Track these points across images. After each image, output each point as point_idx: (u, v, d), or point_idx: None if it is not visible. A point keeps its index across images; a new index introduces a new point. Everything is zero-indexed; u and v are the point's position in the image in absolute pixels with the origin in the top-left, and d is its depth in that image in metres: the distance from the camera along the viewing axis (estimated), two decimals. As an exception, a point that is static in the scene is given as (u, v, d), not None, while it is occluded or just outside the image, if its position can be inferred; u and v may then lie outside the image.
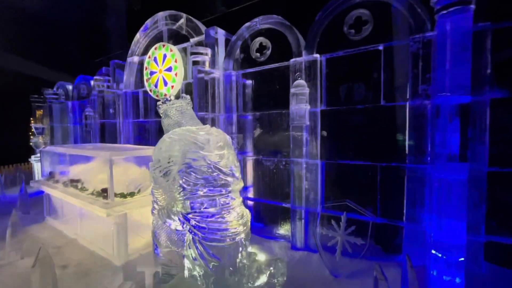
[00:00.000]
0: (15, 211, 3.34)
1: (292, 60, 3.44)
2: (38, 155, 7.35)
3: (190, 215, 2.26)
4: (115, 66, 5.67)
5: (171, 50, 4.76)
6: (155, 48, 5.04)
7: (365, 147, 3.11)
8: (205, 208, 2.25)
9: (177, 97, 3.15)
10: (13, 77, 10.96)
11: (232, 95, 4.10)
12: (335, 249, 3.11)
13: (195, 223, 2.23)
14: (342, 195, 3.27)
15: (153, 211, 2.81)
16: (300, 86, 3.21)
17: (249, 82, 4.03)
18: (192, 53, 3.74)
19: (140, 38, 5.34)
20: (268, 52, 3.71)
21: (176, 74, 4.69)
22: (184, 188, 2.27)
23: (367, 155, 3.10)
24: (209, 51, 3.76)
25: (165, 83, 4.87)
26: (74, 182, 3.73)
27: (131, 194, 3.25)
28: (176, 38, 4.85)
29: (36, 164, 7.31)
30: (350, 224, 3.04)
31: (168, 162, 2.31)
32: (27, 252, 3.41)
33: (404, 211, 2.87)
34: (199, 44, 4.31)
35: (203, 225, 2.21)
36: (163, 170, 2.35)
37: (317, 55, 3.27)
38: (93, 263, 3.12)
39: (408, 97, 2.78)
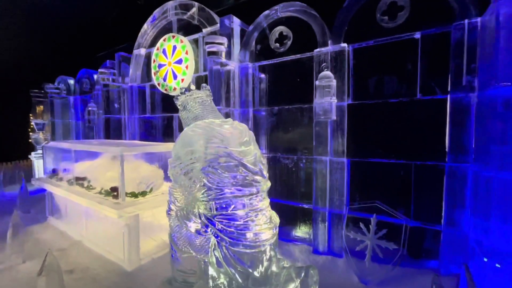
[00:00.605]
0: (16, 211, 3.09)
1: (316, 50, 3.20)
2: (39, 151, 7.08)
3: (216, 218, 2.02)
4: (121, 59, 5.41)
5: (181, 41, 4.52)
6: (164, 40, 4.79)
7: (398, 144, 2.88)
8: (233, 210, 2.01)
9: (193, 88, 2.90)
10: (10, 70, 10.66)
11: (248, 89, 3.85)
12: (363, 254, 2.88)
13: (221, 227, 1.99)
14: (369, 196, 3.03)
15: (169, 212, 2.57)
16: (326, 78, 2.97)
17: (266, 74, 3.78)
18: (208, 43, 3.49)
19: (147, 29, 5.08)
20: (289, 42, 3.47)
21: (186, 67, 4.46)
22: (209, 188, 2.03)
23: (399, 153, 2.87)
24: (225, 40, 3.51)
25: (175, 76, 4.63)
26: (79, 180, 3.48)
27: (143, 194, 3.01)
28: (187, 29, 4.59)
29: (37, 161, 7.05)
30: (380, 227, 2.82)
31: (191, 159, 2.07)
32: (29, 255, 3.16)
33: (443, 213, 2.65)
34: (212, 34, 4.05)
35: (231, 229, 1.97)
36: (184, 167, 2.10)
37: (345, 45, 3.03)
38: (102, 268, 2.87)
39: (449, 89, 2.55)
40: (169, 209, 2.59)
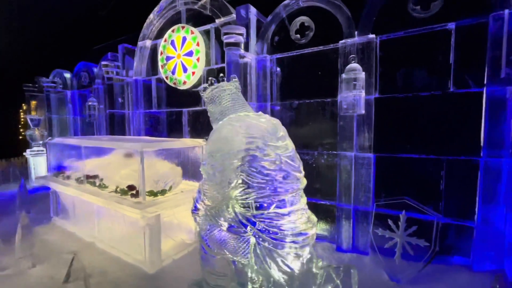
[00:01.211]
0: (24, 212, 2.88)
1: (341, 42, 3.08)
2: (35, 148, 6.76)
3: (256, 218, 1.89)
4: (125, 51, 5.16)
5: (192, 33, 4.32)
6: (173, 31, 4.58)
7: (428, 139, 2.80)
8: (275, 208, 1.88)
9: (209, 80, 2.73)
10: (-1, 64, 10.14)
11: (266, 82, 3.71)
12: (392, 252, 2.81)
13: (263, 227, 1.87)
14: (396, 192, 2.96)
15: (195, 212, 2.43)
16: (354, 71, 2.86)
17: (285, 67, 3.64)
18: (226, 34, 3.32)
19: (153, 20, 4.85)
20: (311, 33, 3.33)
21: (198, 59, 4.27)
22: (249, 186, 1.90)
23: (430, 148, 2.80)
24: (244, 31, 3.35)
25: (185, 69, 4.44)
26: (90, 178, 3.28)
27: (163, 192, 2.85)
28: (197, 19, 4.39)
29: (33, 159, 6.73)
30: (410, 224, 2.75)
31: (228, 154, 1.93)
32: (38, 258, 2.97)
33: (476, 209, 2.60)
34: (227, 25, 3.87)
35: (274, 229, 1.85)
36: (220, 164, 1.96)
37: (373, 36, 2.92)
38: (121, 271, 2.71)
39: (485, 82, 2.48)
40: (195, 208, 2.45)
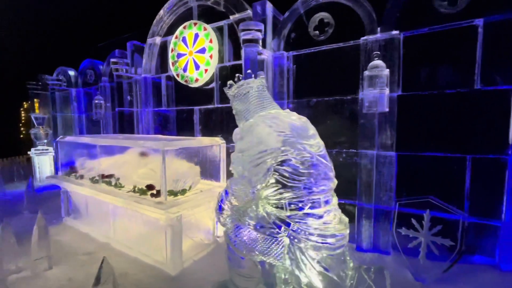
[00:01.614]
0: (41, 213, 2.80)
1: (363, 38, 3.03)
2: (39, 147, 6.66)
3: (290, 218, 1.84)
4: (134, 48, 5.07)
5: (204, 29, 4.24)
6: (184, 27, 4.50)
7: (453, 137, 2.76)
8: (310, 209, 1.83)
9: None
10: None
11: (282, 80, 3.65)
12: (415, 251, 2.77)
13: (298, 228, 1.81)
14: (418, 191, 2.92)
15: (221, 212, 2.38)
16: (377, 67, 2.81)
17: (302, 64, 3.58)
18: (243, 30, 3.25)
19: (163, 17, 4.76)
20: (331, 30, 3.27)
21: (211, 56, 4.20)
22: (282, 185, 1.84)
23: (454, 147, 2.76)
24: (262, 27, 3.28)
25: (197, 67, 4.37)
26: (106, 178, 3.21)
27: (183, 192, 2.79)
28: (209, 16, 4.32)
29: (37, 158, 6.63)
30: (434, 223, 2.71)
31: (260, 153, 1.87)
32: (54, 260, 2.90)
33: (503, 208, 2.56)
34: (242, 22, 3.80)
35: (309, 230, 1.80)
36: (251, 163, 1.90)
37: (397, 32, 2.87)
38: (142, 273, 2.65)
39: (515, 79, 2.44)
40: (220, 208, 2.39)
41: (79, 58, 6.95)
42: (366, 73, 2.89)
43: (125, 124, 5.22)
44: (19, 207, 4.77)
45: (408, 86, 2.92)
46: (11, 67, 10.69)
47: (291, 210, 1.85)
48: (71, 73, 6.97)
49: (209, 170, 3.20)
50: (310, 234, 1.80)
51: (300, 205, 1.84)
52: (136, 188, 2.89)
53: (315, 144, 1.97)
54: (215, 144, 3.21)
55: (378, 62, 2.83)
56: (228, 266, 2.28)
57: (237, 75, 2.28)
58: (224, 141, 3.31)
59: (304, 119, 2.17)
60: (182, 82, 4.57)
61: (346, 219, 2.09)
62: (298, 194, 1.84)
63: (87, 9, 9.02)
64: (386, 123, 2.99)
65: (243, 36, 3.31)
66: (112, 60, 4.86)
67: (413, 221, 2.81)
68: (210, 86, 4.43)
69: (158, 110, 5.16)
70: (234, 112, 2.39)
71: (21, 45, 10.29)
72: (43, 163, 6.71)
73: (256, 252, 2.04)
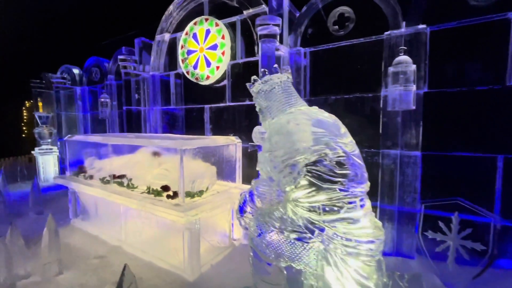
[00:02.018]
0: (51, 215, 2.68)
1: (386, 33, 2.91)
2: (43, 147, 6.53)
3: (325, 223, 1.71)
4: (142, 45, 4.94)
5: (216, 25, 4.12)
6: (195, 23, 4.37)
7: (483, 136, 2.64)
8: (347, 212, 1.71)
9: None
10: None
11: (299, 77, 3.53)
12: (443, 256, 2.65)
13: (334, 233, 1.69)
14: (444, 193, 2.80)
15: (242, 214, 2.26)
16: (404, 63, 2.68)
17: (320, 61, 3.46)
18: (260, 25, 3.12)
19: (173, 12, 4.63)
20: (351, 25, 3.15)
21: (223, 53, 4.07)
22: (317, 187, 1.71)
23: (485, 146, 2.63)
24: (280, 21, 3.16)
25: (208, 64, 4.24)
26: (117, 178, 3.08)
27: (200, 193, 2.66)
28: (220, 11, 4.19)
29: (41, 158, 6.49)
30: (463, 226, 2.59)
31: (293, 152, 1.75)
32: (64, 264, 2.78)
33: (539, 211, 2.44)
34: (257, 17, 3.68)
35: (347, 235, 1.67)
36: (282, 162, 1.78)
37: (424, 26, 2.74)
38: (158, 278, 2.52)
39: (552, 75, 2.31)
40: (242, 211, 2.27)
41: (82, 56, 6.84)
42: (391, 69, 2.76)
43: (132, 123, 5.09)
44: (24, 208, 4.64)
45: (435, 83, 2.79)
46: (12, 65, 10.55)
47: (325, 213, 1.72)
48: (76, 71, 6.85)
49: (225, 171, 3.07)
50: (348, 239, 1.67)
51: (336, 208, 1.71)
52: (150, 189, 2.76)
53: (348, 143, 1.84)
54: (231, 143, 3.08)
55: (404, 57, 2.70)
56: (251, 272, 2.16)
57: (262, 69, 2.16)
58: (240, 141, 3.18)
59: (334, 117, 2.04)
60: (193, 79, 4.45)
61: (380, 223, 1.96)
62: (334, 196, 1.71)
63: (90, 6, 8.88)
64: (411, 121, 2.87)
65: (260, 31, 3.18)
66: (120, 57, 4.73)
67: (441, 224, 2.69)
68: (222, 83, 4.30)
69: (167, 108, 5.04)
70: (257, 109, 2.26)
71: (23, 43, 10.14)
72: (47, 163, 6.58)
73: (285, 258, 1.92)
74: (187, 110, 4.83)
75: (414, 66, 2.69)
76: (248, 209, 2.24)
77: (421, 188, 2.91)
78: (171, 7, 4.63)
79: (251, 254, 2.15)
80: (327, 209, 1.72)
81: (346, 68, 3.29)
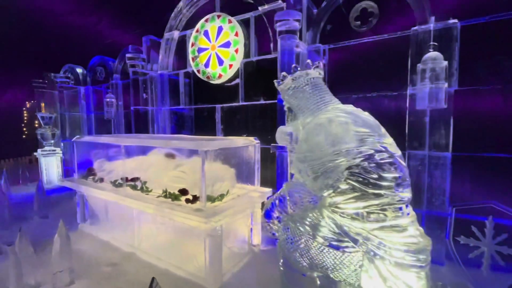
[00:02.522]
0: (62, 221, 2.52)
1: (413, 28, 2.77)
2: (46, 148, 6.36)
3: (370, 231, 1.57)
4: (150, 43, 4.80)
5: (229, 22, 3.98)
6: (206, 20, 4.23)
7: (519, 136, 2.51)
8: (394, 220, 1.57)
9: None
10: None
11: (318, 75, 3.39)
12: (477, 262, 2.51)
13: (380, 242, 1.55)
14: (476, 196, 2.67)
15: (269, 220, 2.12)
16: (434, 60, 2.55)
17: (340, 58, 3.32)
18: (279, 20, 2.99)
19: (182, 9, 4.49)
20: (375, 20, 3.02)
21: (236, 51, 3.94)
22: (361, 192, 1.57)
23: (521, 146, 2.51)
24: (300, 16, 3.02)
25: (220, 62, 4.10)
26: (131, 181, 2.93)
27: (221, 197, 2.52)
28: (233, 8, 4.06)
29: (44, 159, 6.32)
30: (498, 231, 2.45)
31: (334, 154, 1.61)
32: (75, 272, 2.62)
33: None
34: (271, 13, 3.55)
35: (396, 245, 1.53)
36: (321, 164, 1.64)
37: (455, 21, 2.61)
38: (177, 288, 2.38)
39: None
40: (269, 216, 2.13)
41: (85, 55, 6.69)
42: (420, 66, 2.63)
43: (139, 124, 4.94)
44: (28, 211, 4.48)
45: (467, 80, 2.66)
46: (12, 64, 10.36)
47: (370, 221, 1.58)
48: (79, 70, 6.69)
49: (243, 173, 2.92)
50: (396, 249, 1.53)
51: (382, 215, 1.57)
52: (167, 193, 2.61)
53: (392, 143, 1.71)
54: (250, 144, 2.94)
55: (434, 53, 2.57)
56: (281, 282, 2.01)
57: (293, 65, 2.01)
58: (258, 141, 3.04)
59: (371, 116, 1.91)
60: (204, 78, 4.30)
61: (422, 230, 1.82)
62: (379, 202, 1.57)
63: (92, 4, 8.73)
64: (440, 120, 2.74)
65: (279, 27, 3.05)
66: (128, 55, 4.58)
67: (473, 228, 2.55)
68: (234, 82, 4.16)
69: (175, 108, 4.89)
70: (285, 108, 2.13)
71: (24, 43, 9.96)
72: (50, 164, 6.41)
73: (321, 268, 1.78)
74: (197, 110, 4.69)
75: (445, 63, 2.55)
76: (276, 214, 2.11)
77: (451, 190, 2.77)
78: (180, 4, 4.49)
79: (281, 262, 2.00)
80: (371, 216, 1.58)
81: (369, 65, 3.16)
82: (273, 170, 3.41)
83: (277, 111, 3.31)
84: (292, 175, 2.01)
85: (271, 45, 3.68)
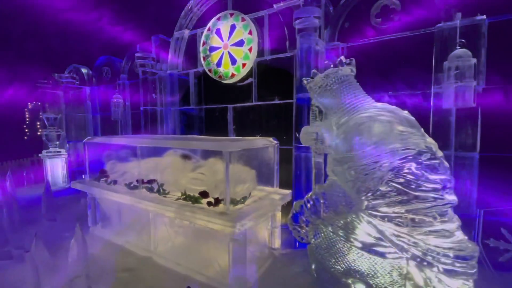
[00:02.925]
0: (79, 226, 2.43)
1: (438, 25, 2.70)
2: (51, 149, 6.25)
3: (417, 235, 1.49)
4: (159, 42, 4.71)
5: (242, 20, 3.90)
6: (218, 19, 4.15)
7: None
8: (442, 223, 1.49)
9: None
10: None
11: (337, 73, 3.31)
12: (508, 266, 2.44)
13: (428, 248, 1.47)
14: (506, 197, 2.59)
15: (296, 224, 2.03)
16: (461, 57, 2.47)
17: (359, 57, 3.23)
18: (298, 18, 2.91)
19: (193, 8, 4.41)
20: (396, 17, 2.94)
21: (250, 49, 3.85)
22: (406, 195, 1.49)
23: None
24: (320, 13, 2.94)
25: (233, 61, 4.02)
26: (147, 183, 2.84)
27: (243, 200, 2.43)
28: (246, 5, 3.97)
29: (49, 161, 6.22)
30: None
31: (376, 156, 1.53)
32: (92, 278, 2.52)
33: None
34: (286, 11, 3.47)
35: (445, 251, 1.45)
36: (363, 165, 1.56)
37: (483, 17, 2.54)
38: (200, 296, 2.28)
39: None
40: (297, 219, 2.05)
41: (89, 54, 6.60)
42: (447, 64, 2.55)
43: (148, 124, 4.85)
44: (35, 214, 4.38)
45: (495, 79, 2.59)
46: (13, 63, 10.26)
47: (415, 226, 1.50)
48: (84, 70, 6.59)
49: (263, 174, 2.84)
50: (445, 255, 1.45)
51: (428, 219, 1.49)
52: (187, 195, 2.52)
53: (435, 144, 1.63)
54: (270, 145, 2.85)
55: (462, 51, 2.49)
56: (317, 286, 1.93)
57: (326, 61, 1.94)
58: (278, 142, 2.95)
59: None
60: (215, 78, 4.22)
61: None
62: (425, 205, 1.49)
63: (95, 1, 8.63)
64: (466, 120, 2.66)
65: (298, 24, 2.97)
66: (137, 54, 4.49)
67: (503, 231, 2.48)
68: (246, 82, 4.08)
69: (185, 108, 4.81)
70: (313, 107, 2.05)
71: (26, 42, 9.85)
72: (55, 166, 6.31)
73: (358, 274, 1.70)
74: (207, 110, 4.60)
75: (474, 60, 2.48)
76: (305, 217, 2.03)
77: (478, 192, 2.70)
78: (191, 2, 4.40)
79: (313, 266, 1.92)
80: (416, 220, 1.50)
81: (390, 64, 3.08)
82: (288, 171, 3.33)
83: (295, 111, 3.24)
84: (325, 176, 1.93)
85: (287, 43, 3.60)
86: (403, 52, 2.98)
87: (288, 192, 2.90)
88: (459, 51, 2.51)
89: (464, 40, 2.53)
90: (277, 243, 2.90)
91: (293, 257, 2.75)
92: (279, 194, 2.83)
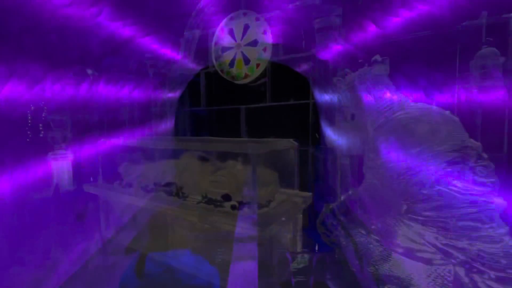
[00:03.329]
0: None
1: (463, 24, 2.64)
2: (58, 151, 6.16)
3: (465, 240, 1.43)
4: (170, 41, 4.63)
5: (257, 19, 3.84)
6: (231, 18, 4.09)
7: None
8: (492, 227, 1.42)
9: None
10: None
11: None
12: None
13: (479, 253, 1.40)
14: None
15: (327, 226, 1.97)
16: (491, 56, 2.42)
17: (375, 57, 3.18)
18: (318, 17, 2.86)
19: (204, 7, 4.34)
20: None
21: (264, 49, 3.79)
22: (452, 199, 1.43)
23: None
24: (340, 12, 2.88)
25: (247, 61, 3.95)
26: (165, 186, 2.77)
27: (268, 203, 2.36)
28: (259, 5, 3.91)
29: (55, 163, 6.12)
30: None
31: (422, 156, 1.46)
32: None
33: None
34: (302, 9, 3.41)
35: (495, 257, 1.39)
36: (408, 168, 1.50)
37: (510, 15, 2.48)
38: (226, 302, 2.21)
39: None
40: (326, 224, 1.98)
41: (96, 54, 6.51)
42: (474, 63, 2.49)
43: (158, 125, 4.78)
44: (44, 217, 4.29)
45: (521, 78, 2.53)
46: (13, 60, 10.17)
47: (462, 230, 1.44)
48: (89, 71, 6.50)
49: (284, 177, 2.77)
50: (496, 261, 1.38)
51: (475, 224, 1.43)
52: (209, 199, 2.45)
53: (480, 145, 1.57)
54: (291, 146, 2.79)
55: (490, 49, 2.44)
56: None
57: (360, 60, 1.88)
58: (297, 143, 2.89)
59: None
60: (228, 78, 4.15)
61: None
62: (473, 210, 1.43)
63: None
64: (492, 121, 2.60)
65: (317, 24, 2.91)
66: (147, 55, 4.42)
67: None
68: (259, 82, 4.02)
69: (196, 109, 4.74)
70: (343, 107, 1.99)
71: (24, 37, 9.75)
72: (61, 168, 6.21)
73: (397, 282, 1.63)
74: (218, 111, 4.54)
75: (502, 59, 2.42)
76: (335, 221, 1.96)
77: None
78: (202, 1, 4.33)
79: (342, 273, 1.86)
80: (464, 224, 1.44)
81: (408, 64, 3.02)
82: (304, 173, 3.26)
83: (313, 111, 3.18)
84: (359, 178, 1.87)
85: (303, 42, 3.54)
86: (423, 52, 2.91)
87: (309, 194, 2.83)
88: (486, 49, 2.45)
89: (491, 39, 2.47)
90: (298, 247, 2.83)
91: (317, 261, 2.68)
92: (301, 197, 2.76)
